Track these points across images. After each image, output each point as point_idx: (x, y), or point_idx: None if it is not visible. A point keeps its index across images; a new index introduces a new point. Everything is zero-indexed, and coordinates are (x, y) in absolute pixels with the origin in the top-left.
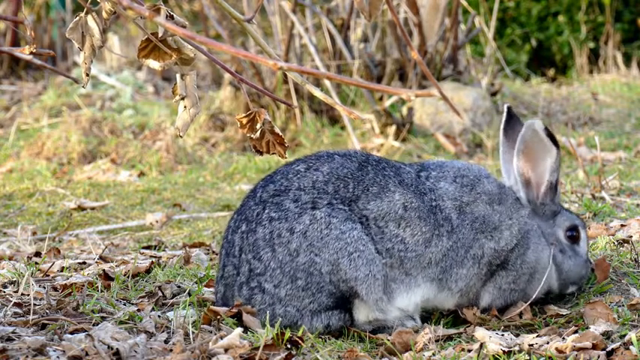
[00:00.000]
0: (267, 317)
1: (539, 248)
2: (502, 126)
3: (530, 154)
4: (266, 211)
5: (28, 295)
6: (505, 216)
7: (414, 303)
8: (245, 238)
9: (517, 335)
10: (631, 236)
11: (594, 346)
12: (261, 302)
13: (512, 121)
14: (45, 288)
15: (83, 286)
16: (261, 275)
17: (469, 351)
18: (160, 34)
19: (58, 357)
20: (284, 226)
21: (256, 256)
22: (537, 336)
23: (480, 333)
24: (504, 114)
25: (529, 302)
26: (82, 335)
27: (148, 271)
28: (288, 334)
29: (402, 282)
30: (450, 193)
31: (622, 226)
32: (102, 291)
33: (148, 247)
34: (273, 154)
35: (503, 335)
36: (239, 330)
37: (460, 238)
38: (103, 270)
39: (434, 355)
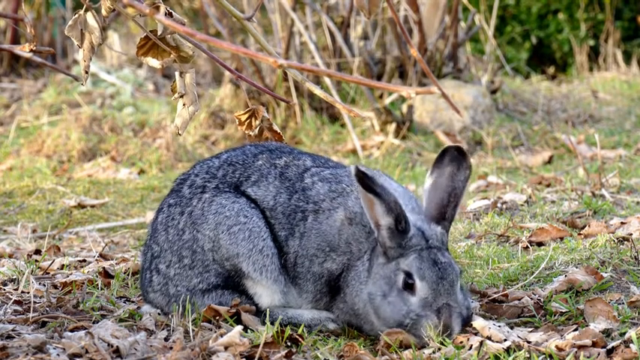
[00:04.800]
0: (167, 298)
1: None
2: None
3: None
4: (168, 199)
5: (28, 292)
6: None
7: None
8: (150, 227)
9: (512, 328)
10: (631, 234)
11: (594, 344)
12: (157, 283)
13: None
14: (45, 286)
15: (83, 283)
16: (158, 257)
17: (470, 348)
18: (159, 32)
19: (58, 354)
20: (177, 210)
21: (155, 240)
22: (537, 333)
23: (480, 323)
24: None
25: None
26: (82, 333)
27: None
28: (288, 331)
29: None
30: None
31: (622, 223)
32: (102, 289)
33: None
34: None
35: (500, 327)
36: (239, 327)
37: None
38: (103, 268)
39: (434, 352)
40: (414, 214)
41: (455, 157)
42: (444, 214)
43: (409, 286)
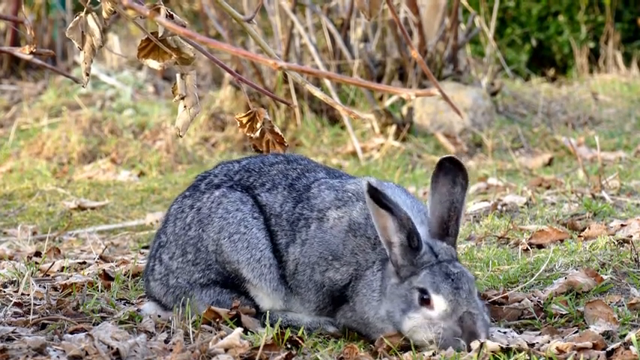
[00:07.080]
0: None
1: None
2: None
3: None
4: (185, 192)
5: (28, 294)
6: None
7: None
8: (164, 216)
9: (515, 332)
10: (631, 236)
11: (594, 346)
12: (158, 273)
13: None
14: (45, 288)
15: (83, 285)
16: (162, 247)
17: (470, 350)
18: (160, 34)
19: (58, 357)
20: (188, 203)
21: (163, 230)
22: (537, 335)
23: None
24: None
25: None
26: (82, 335)
27: None
28: (288, 333)
29: None
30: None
31: (622, 225)
32: (102, 291)
33: (148, 247)
34: None
35: (505, 333)
36: (239, 330)
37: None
38: (103, 270)
39: (434, 354)
40: (423, 228)
41: (450, 169)
42: (447, 230)
43: (426, 302)
